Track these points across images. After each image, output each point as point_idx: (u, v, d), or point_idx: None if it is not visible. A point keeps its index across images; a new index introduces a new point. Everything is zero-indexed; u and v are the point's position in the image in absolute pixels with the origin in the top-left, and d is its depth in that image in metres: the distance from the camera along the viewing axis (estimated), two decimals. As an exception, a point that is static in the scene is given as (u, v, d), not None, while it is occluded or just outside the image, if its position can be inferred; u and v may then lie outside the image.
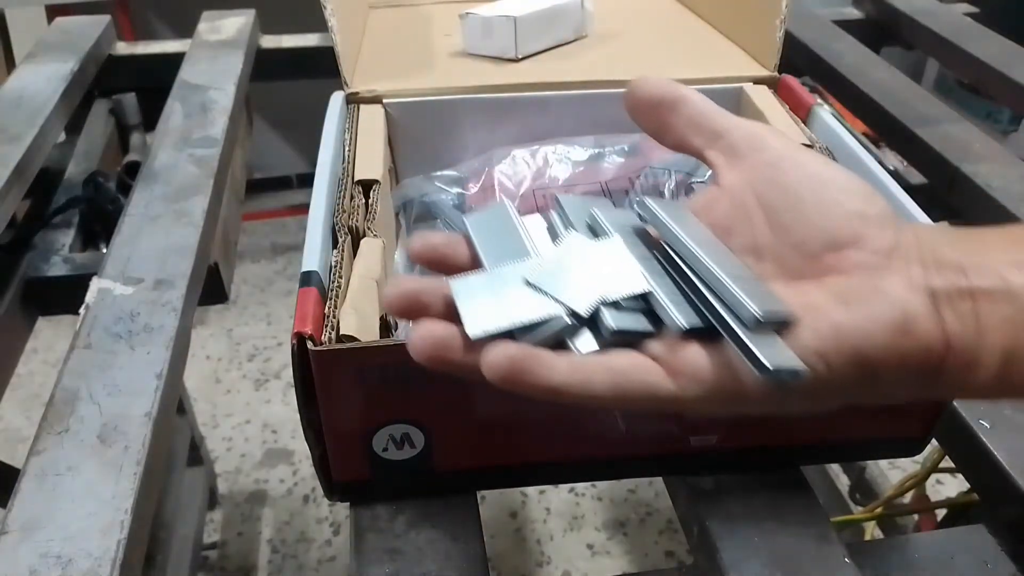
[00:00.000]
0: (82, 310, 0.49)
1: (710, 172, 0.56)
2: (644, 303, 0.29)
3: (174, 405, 0.47)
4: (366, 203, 0.49)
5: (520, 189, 0.57)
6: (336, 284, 0.41)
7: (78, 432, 0.41)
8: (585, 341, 0.28)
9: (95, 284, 0.51)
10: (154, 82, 0.80)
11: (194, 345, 0.56)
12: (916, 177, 0.76)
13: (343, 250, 0.44)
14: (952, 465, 0.52)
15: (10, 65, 1.53)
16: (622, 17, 0.77)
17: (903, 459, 0.83)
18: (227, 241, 0.66)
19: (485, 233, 0.32)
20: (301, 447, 1.53)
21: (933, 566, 0.42)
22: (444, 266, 0.32)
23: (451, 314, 0.29)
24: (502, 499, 1.47)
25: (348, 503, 0.44)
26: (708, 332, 0.28)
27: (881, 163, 0.53)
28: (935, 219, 0.46)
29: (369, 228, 0.47)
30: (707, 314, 0.28)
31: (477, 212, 0.34)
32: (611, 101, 0.62)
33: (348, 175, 0.51)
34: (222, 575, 1.35)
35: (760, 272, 0.30)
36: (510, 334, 0.28)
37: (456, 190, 0.57)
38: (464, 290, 0.29)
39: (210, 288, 0.59)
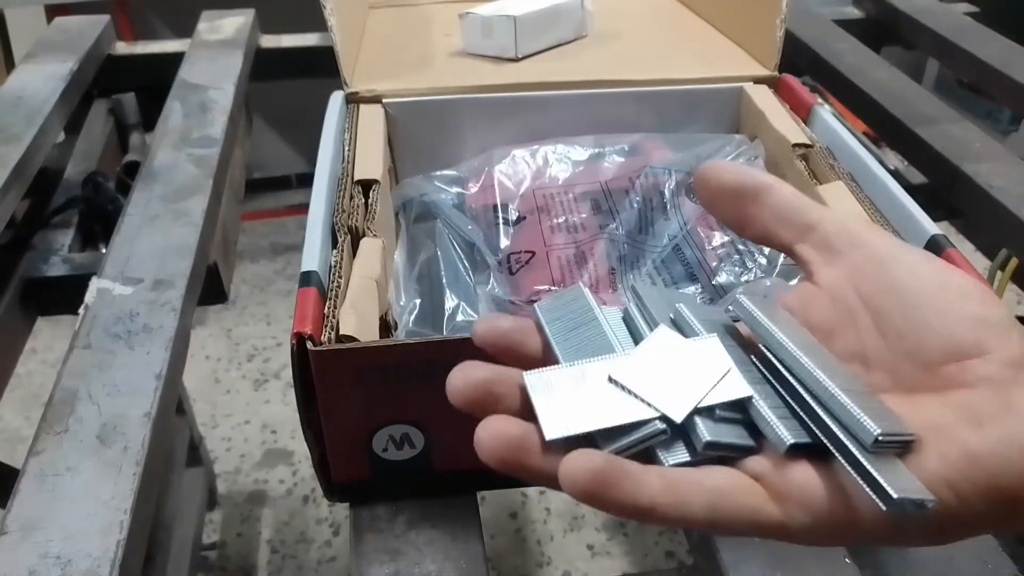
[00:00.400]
0: (81, 310, 0.49)
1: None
2: (742, 413, 0.26)
3: (173, 405, 0.47)
4: (366, 203, 0.49)
5: (520, 189, 0.57)
6: (336, 284, 0.41)
7: (77, 432, 0.41)
8: (676, 453, 0.25)
9: (94, 284, 0.51)
10: (153, 82, 0.80)
11: (193, 345, 0.56)
12: (916, 177, 0.76)
13: (343, 250, 0.44)
14: None
15: (9, 65, 1.53)
16: (622, 17, 0.77)
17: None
18: (226, 241, 0.66)
19: (560, 321, 0.29)
20: (301, 447, 1.53)
21: (933, 566, 0.42)
22: (512, 354, 0.29)
23: (526, 409, 0.26)
24: (502, 499, 1.47)
25: (348, 503, 0.44)
26: (816, 451, 0.25)
27: (881, 163, 0.53)
28: (936, 219, 0.46)
29: (369, 228, 0.47)
30: (817, 431, 0.25)
31: (550, 298, 0.31)
32: (611, 101, 0.62)
33: (348, 175, 0.51)
34: (222, 575, 1.35)
35: (870, 383, 0.27)
36: (591, 439, 0.25)
37: (456, 190, 0.57)
38: (541, 385, 0.26)
39: (209, 288, 0.59)
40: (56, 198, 0.69)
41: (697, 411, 0.25)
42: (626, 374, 0.26)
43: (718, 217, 0.32)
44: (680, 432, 0.25)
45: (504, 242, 0.54)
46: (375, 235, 0.46)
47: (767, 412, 0.25)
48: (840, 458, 0.24)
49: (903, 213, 0.48)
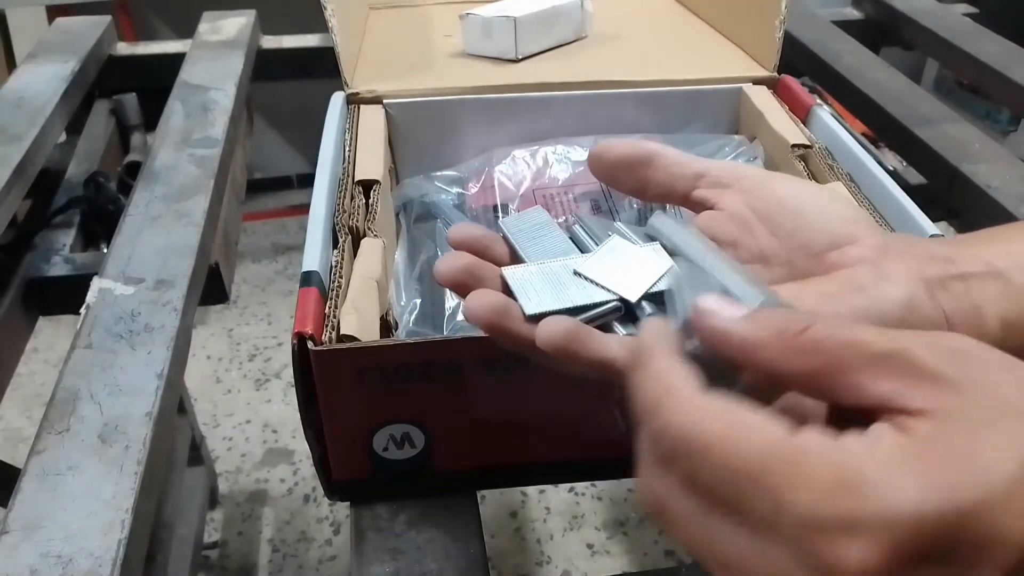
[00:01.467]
0: (83, 310, 0.49)
1: None
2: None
3: (175, 405, 0.47)
4: (366, 203, 0.49)
5: (520, 189, 0.57)
6: (336, 284, 0.41)
7: (79, 432, 0.41)
8: (627, 327, 0.31)
9: (96, 284, 0.51)
10: (155, 82, 0.80)
11: (195, 345, 0.56)
12: (915, 177, 0.76)
13: (343, 250, 0.44)
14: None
15: (11, 65, 1.53)
16: (622, 17, 0.77)
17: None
18: (227, 241, 0.66)
19: (523, 233, 0.35)
20: (301, 447, 1.53)
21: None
22: (481, 257, 0.34)
23: (505, 293, 0.31)
24: (502, 498, 1.47)
25: (348, 502, 0.44)
26: None
27: (880, 163, 0.53)
28: (935, 219, 0.46)
29: (369, 228, 0.47)
30: None
31: (513, 216, 0.37)
32: (611, 101, 0.62)
33: (348, 175, 0.51)
34: (223, 575, 1.35)
35: (771, 276, 0.33)
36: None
37: (456, 190, 0.57)
38: (517, 277, 0.32)
39: (210, 288, 0.59)
40: (58, 198, 0.69)
41: (643, 296, 0.31)
42: (589, 268, 0.32)
43: (619, 188, 0.38)
44: (630, 312, 0.31)
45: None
46: (376, 235, 0.46)
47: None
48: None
49: (902, 213, 0.48)
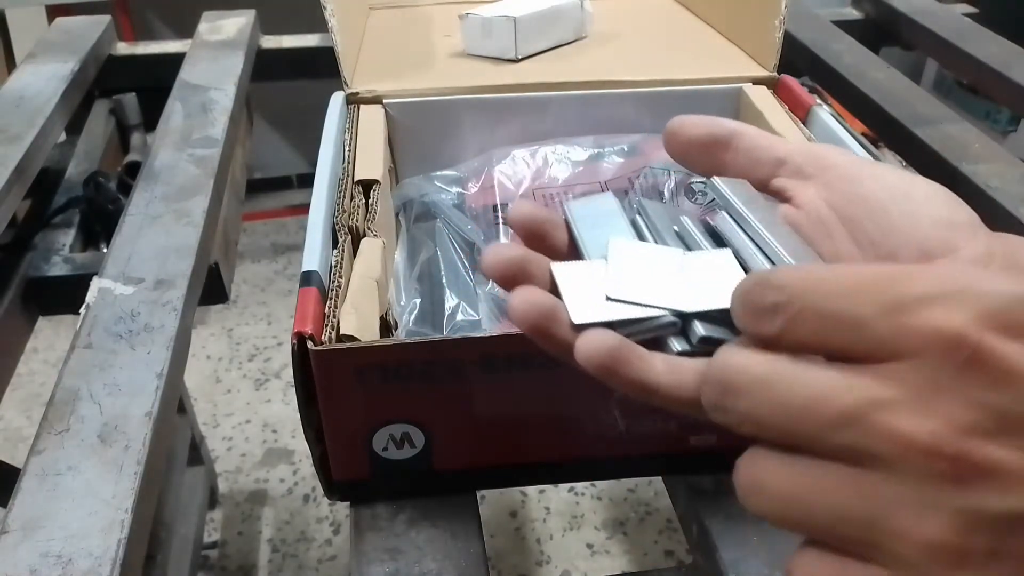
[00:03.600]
0: (82, 310, 0.49)
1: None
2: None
3: (174, 405, 0.47)
4: (366, 203, 0.49)
5: (520, 189, 0.57)
6: (336, 284, 0.41)
7: (79, 432, 0.41)
8: (679, 343, 0.28)
9: (95, 284, 0.51)
10: (154, 82, 0.80)
11: (194, 345, 0.56)
12: (915, 177, 0.76)
13: (343, 250, 0.44)
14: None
15: (10, 65, 1.53)
16: (622, 17, 0.77)
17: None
18: (227, 241, 0.66)
19: (587, 219, 0.32)
20: (301, 447, 1.53)
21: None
22: (541, 241, 0.31)
23: (553, 291, 0.28)
24: (502, 498, 1.47)
25: (348, 502, 0.44)
26: None
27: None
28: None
29: (369, 228, 0.47)
30: None
31: (580, 199, 0.33)
32: (611, 101, 0.62)
33: (348, 175, 0.51)
34: (222, 574, 1.35)
35: None
36: (610, 326, 0.27)
37: (456, 190, 0.57)
38: (567, 275, 0.29)
39: (210, 288, 0.59)
40: (57, 198, 0.69)
41: (699, 312, 0.27)
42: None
43: (693, 169, 0.34)
44: (684, 327, 0.28)
45: (504, 242, 0.54)
46: (375, 235, 0.46)
47: None
48: None
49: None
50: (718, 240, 0.31)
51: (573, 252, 0.31)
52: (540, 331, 0.27)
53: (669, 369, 0.26)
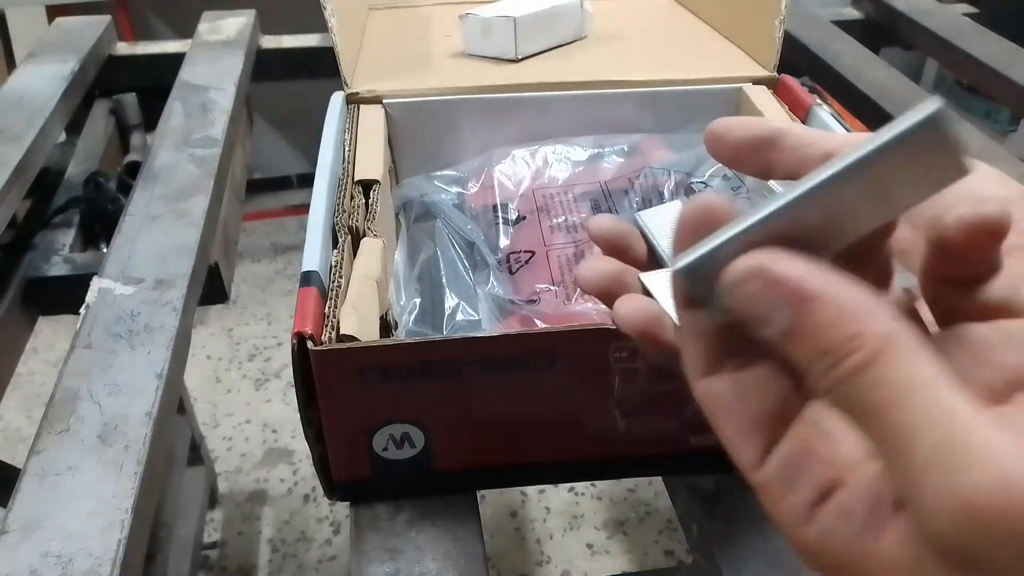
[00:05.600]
0: (82, 310, 0.49)
1: (710, 171, 0.56)
2: None
3: (174, 405, 0.47)
4: (366, 203, 0.49)
5: (520, 189, 0.57)
6: (336, 284, 0.41)
7: (79, 432, 0.41)
8: None
9: (95, 284, 0.51)
10: (154, 82, 0.80)
11: (194, 345, 0.56)
12: (915, 177, 0.76)
13: (343, 250, 0.44)
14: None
15: (10, 65, 1.53)
16: (622, 17, 0.77)
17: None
18: (227, 241, 0.66)
19: (662, 231, 0.33)
20: (301, 447, 1.53)
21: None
22: (622, 255, 0.32)
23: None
24: (502, 498, 1.47)
25: (348, 502, 0.44)
26: None
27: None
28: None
29: (369, 228, 0.47)
30: None
31: (651, 211, 0.35)
32: (611, 101, 0.62)
33: (348, 175, 0.51)
34: (222, 574, 1.35)
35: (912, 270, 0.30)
36: None
37: (456, 190, 0.57)
38: (657, 284, 0.30)
39: (210, 288, 0.59)
40: (57, 198, 0.69)
41: None
42: None
43: (742, 171, 0.34)
44: None
45: (504, 242, 0.54)
46: (375, 235, 0.46)
47: None
48: None
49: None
50: None
51: (652, 261, 0.32)
52: (649, 336, 0.28)
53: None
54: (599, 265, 0.30)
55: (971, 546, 0.17)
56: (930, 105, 0.20)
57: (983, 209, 0.24)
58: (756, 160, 0.33)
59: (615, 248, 0.32)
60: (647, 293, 0.30)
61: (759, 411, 0.24)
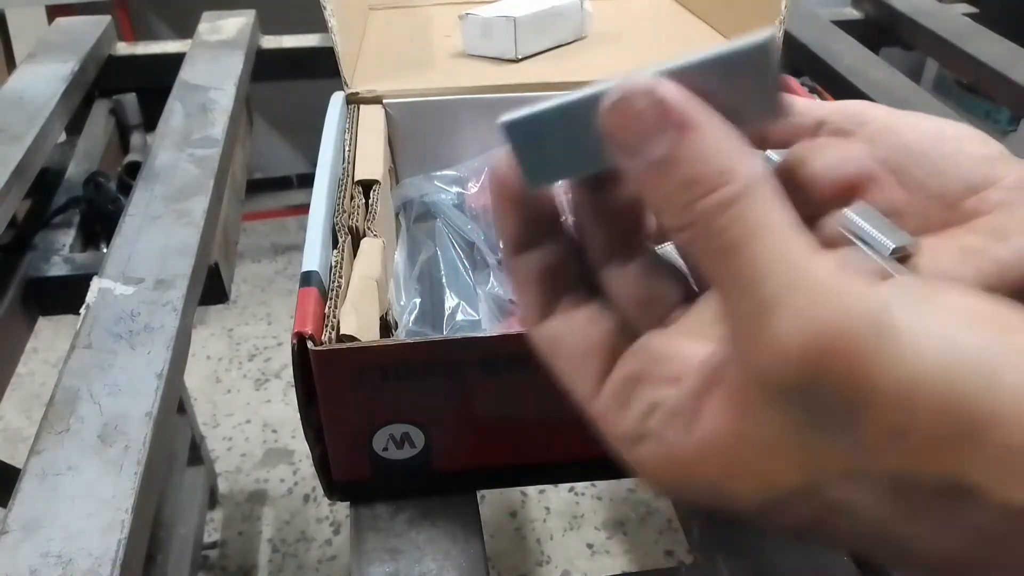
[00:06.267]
0: (82, 310, 0.49)
1: None
2: None
3: (174, 405, 0.47)
4: (366, 203, 0.49)
5: (520, 189, 0.57)
6: (336, 284, 0.41)
7: (79, 432, 0.41)
8: None
9: (95, 284, 0.51)
10: (154, 82, 0.80)
11: (194, 345, 0.56)
12: (915, 177, 0.76)
13: (343, 250, 0.44)
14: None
15: (10, 65, 1.53)
16: (622, 18, 0.77)
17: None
18: (227, 241, 0.66)
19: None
20: (301, 447, 1.53)
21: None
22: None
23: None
24: (502, 498, 1.47)
25: (348, 502, 0.44)
26: None
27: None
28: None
29: (369, 228, 0.47)
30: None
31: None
32: (611, 101, 0.62)
33: (348, 175, 0.51)
34: (222, 575, 1.35)
35: (908, 230, 0.31)
36: None
37: (456, 190, 0.57)
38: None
39: (210, 288, 0.59)
40: (57, 198, 0.69)
41: None
42: None
43: None
44: None
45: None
46: (375, 235, 0.46)
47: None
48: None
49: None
50: None
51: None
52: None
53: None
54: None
55: (807, 377, 0.18)
56: (762, 33, 0.21)
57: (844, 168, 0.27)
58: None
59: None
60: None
61: (591, 344, 0.25)
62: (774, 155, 0.33)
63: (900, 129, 0.32)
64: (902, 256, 0.29)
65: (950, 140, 0.31)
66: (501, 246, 0.25)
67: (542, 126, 0.25)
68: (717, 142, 0.20)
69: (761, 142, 0.34)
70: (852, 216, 0.29)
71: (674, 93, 0.21)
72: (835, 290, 0.18)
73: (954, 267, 0.28)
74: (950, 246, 0.29)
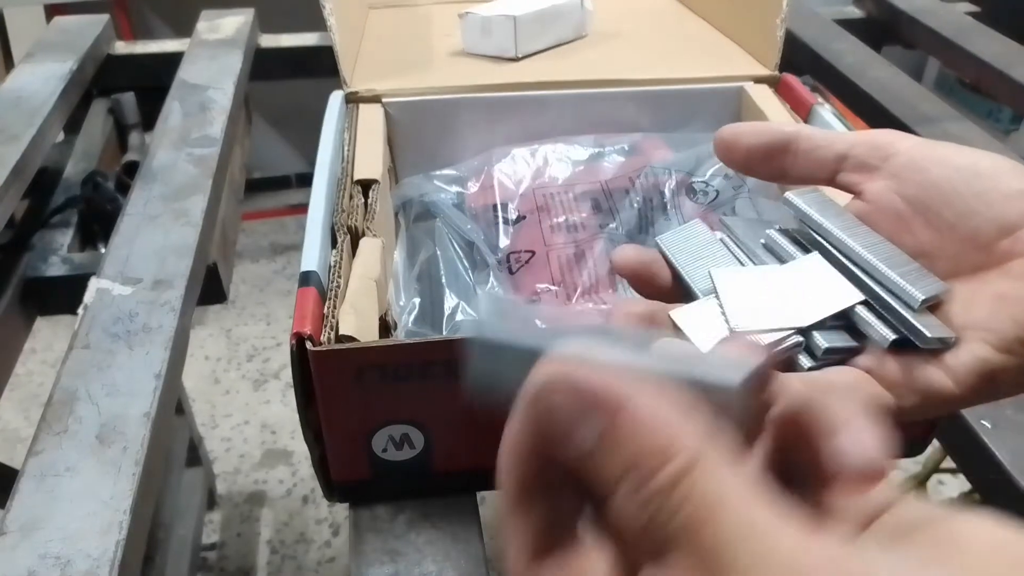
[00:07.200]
0: (80, 310, 0.49)
1: (711, 171, 0.56)
2: (844, 320, 0.29)
3: (173, 405, 0.47)
4: (365, 203, 0.49)
5: (520, 188, 0.56)
6: (335, 284, 0.41)
7: (77, 432, 0.41)
8: (807, 360, 0.29)
9: (93, 284, 0.51)
10: (153, 81, 0.80)
11: (193, 345, 0.56)
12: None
13: (342, 250, 0.44)
14: (954, 465, 0.52)
15: (9, 65, 1.53)
16: (622, 17, 0.77)
17: (904, 459, 0.82)
18: (226, 241, 0.66)
19: (685, 255, 0.33)
20: (300, 447, 1.53)
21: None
22: (648, 284, 0.32)
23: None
24: (502, 499, 1.47)
25: (348, 504, 0.44)
26: (906, 343, 0.28)
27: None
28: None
29: (368, 228, 0.47)
30: (875, 291, 0.29)
31: (670, 233, 0.34)
32: (611, 101, 0.62)
33: (347, 175, 0.51)
34: (221, 575, 1.35)
35: (937, 273, 0.30)
36: None
37: (455, 189, 0.57)
38: (688, 319, 0.30)
39: (209, 288, 0.59)
40: (55, 198, 0.69)
41: (816, 323, 0.29)
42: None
43: (756, 176, 0.34)
44: (806, 342, 0.29)
45: (504, 241, 0.54)
46: (375, 235, 0.46)
47: (868, 316, 0.29)
48: (889, 315, 0.28)
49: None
50: (805, 249, 0.32)
51: (677, 285, 0.32)
52: (642, 276, 0.29)
53: (809, 388, 0.25)
54: (631, 307, 0.30)
55: None
56: (738, 373, 0.21)
57: (855, 462, 0.22)
58: (770, 166, 0.33)
59: (640, 278, 0.32)
60: (676, 328, 0.29)
61: None
62: (795, 199, 0.32)
63: (928, 166, 0.30)
64: (933, 305, 0.28)
65: (984, 177, 0.29)
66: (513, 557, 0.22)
67: (506, 353, 0.25)
68: (651, 417, 0.18)
69: (780, 179, 0.33)
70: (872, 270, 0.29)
71: (592, 378, 0.19)
72: (807, 565, 0.16)
73: (988, 317, 0.27)
74: (984, 292, 0.27)
